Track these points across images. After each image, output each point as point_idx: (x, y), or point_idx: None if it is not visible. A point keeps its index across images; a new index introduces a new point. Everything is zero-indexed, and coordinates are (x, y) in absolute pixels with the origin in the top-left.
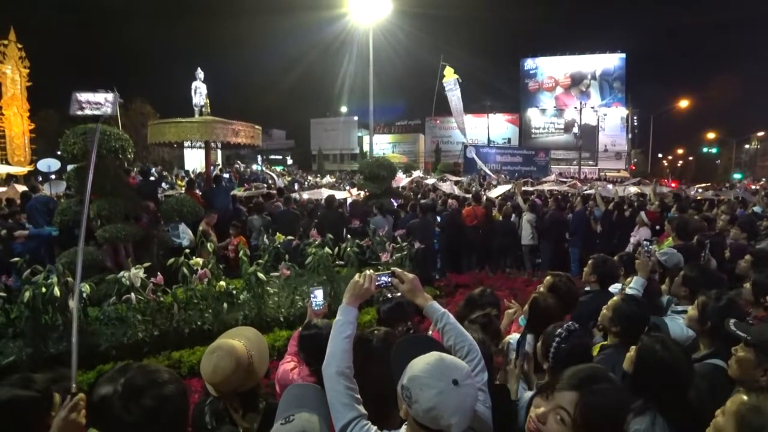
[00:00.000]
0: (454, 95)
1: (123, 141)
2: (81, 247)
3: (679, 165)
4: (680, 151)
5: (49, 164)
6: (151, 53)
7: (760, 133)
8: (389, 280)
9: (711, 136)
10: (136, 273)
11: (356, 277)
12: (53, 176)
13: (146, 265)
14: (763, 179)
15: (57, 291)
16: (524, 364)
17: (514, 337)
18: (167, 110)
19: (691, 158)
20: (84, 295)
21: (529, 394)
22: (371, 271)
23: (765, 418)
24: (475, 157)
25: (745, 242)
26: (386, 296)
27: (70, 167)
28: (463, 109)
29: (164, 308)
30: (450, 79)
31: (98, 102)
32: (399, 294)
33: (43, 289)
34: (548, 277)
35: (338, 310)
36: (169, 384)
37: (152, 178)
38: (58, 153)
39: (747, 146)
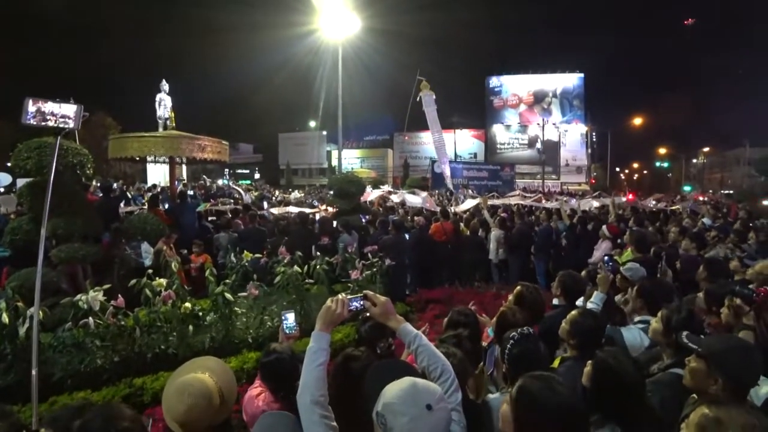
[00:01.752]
0: (432, 110)
1: (82, 156)
2: (39, 269)
3: (635, 178)
4: (636, 165)
5: None
6: (113, 64)
7: (706, 149)
8: (361, 304)
9: (663, 151)
10: (94, 296)
11: (328, 302)
12: (1, 190)
13: (106, 287)
14: (710, 191)
15: (5, 317)
16: (493, 370)
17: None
18: (130, 123)
19: (645, 172)
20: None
21: (493, 396)
22: (343, 294)
23: (725, 430)
24: (445, 169)
25: (695, 252)
26: (366, 316)
27: (21, 182)
28: (439, 125)
29: (125, 332)
30: (427, 93)
31: (65, 115)
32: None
33: None
34: (518, 288)
35: (311, 337)
36: None
37: (113, 195)
38: (8, 165)
39: (695, 161)
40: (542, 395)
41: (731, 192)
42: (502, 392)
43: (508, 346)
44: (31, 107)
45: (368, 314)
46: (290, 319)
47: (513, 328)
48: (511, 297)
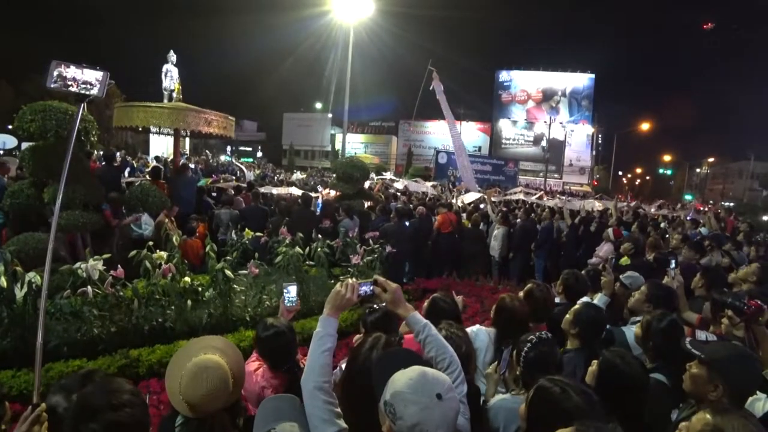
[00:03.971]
0: (444, 100)
1: (87, 122)
2: (52, 237)
3: (637, 183)
4: (639, 170)
5: (4, 141)
6: (120, 31)
7: (711, 159)
8: (371, 289)
9: (667, 158)
10: (93, 264)
11: (338, 286)
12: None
13: (105, 256)
14: (711, 202)
15: (3, 281)
16: (505, 371)
17: (473, 329)
18: (134, 92)
19: (648, 177)
20: (34, 286)
21: (500, 396)
22: (353, 279)
23: None
24: (464, 162)
25: (695, 262)
26: (371, 306)
27: (24, 145)
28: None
29: (123, 303)
30: (437, 83)
31: (87, 81)
32: (384, 305)
33: None
34: (529, 285)
35: (318, 321)
36: (127, 408)
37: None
38: (9, 127)
39: (698, 170)
40: (557, 399)
41: (731, 204)
42: (512, 394)
43: (525, 348)
44: (60, 73)
45: (375, 306)
46: (292, 291)
47: (512, 319)
48: (521, 293)
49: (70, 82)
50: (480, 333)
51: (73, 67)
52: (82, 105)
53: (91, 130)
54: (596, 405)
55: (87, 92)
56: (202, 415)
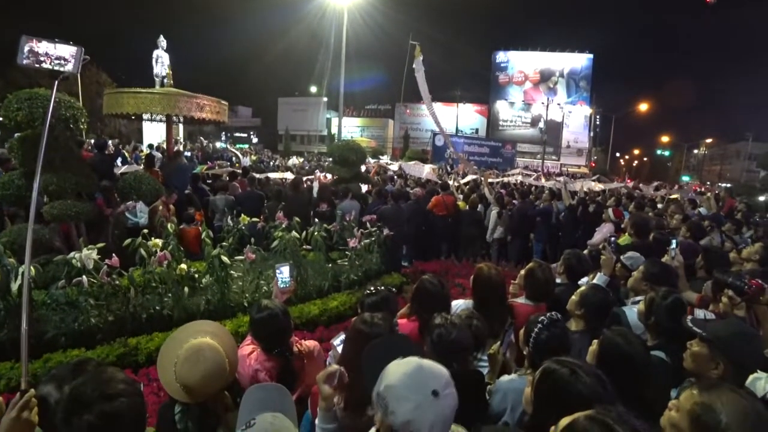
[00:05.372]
0: (421, 76)
1: (75, 110)
2: (31, 224)
3: (634, 165)
4: (636, 152)
5: None
6: (109, 18)
7: (709, 140)
8: None
9: (665, 139)
10: (88, 254)
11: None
12: None
13: (100, 245)
14: (708, 183)
15: None
16: (507, 352)
17: (454, 303)
18: (125, 80)
19: (645, 159)
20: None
21: (508, 377)
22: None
23: (717, 416)
24: (448, 143)
25: (691, 240)
26: (370, 289)
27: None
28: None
29: (120, 292)
30: (418, 58)
31: (61, 57)
32: (383, 288)
33: None
34: (531, 264)
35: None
36: (121, 397)
37: (108, 152)
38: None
39: (696, 151)
40: (565, 380)
41: (729, 185)
42: (520, 375)
43: (536, 329)
44: (31, 48)
45: (373, 289)
46: (285, 272)
47: (489, 288)
48: (522, 272)
49: (42, 58)
50: (459, 304)
51: (45, 42)
52: (56, 83)
53: (80, 118)
54: (608, 387)
55: (61, 68)
56: (200, 399)
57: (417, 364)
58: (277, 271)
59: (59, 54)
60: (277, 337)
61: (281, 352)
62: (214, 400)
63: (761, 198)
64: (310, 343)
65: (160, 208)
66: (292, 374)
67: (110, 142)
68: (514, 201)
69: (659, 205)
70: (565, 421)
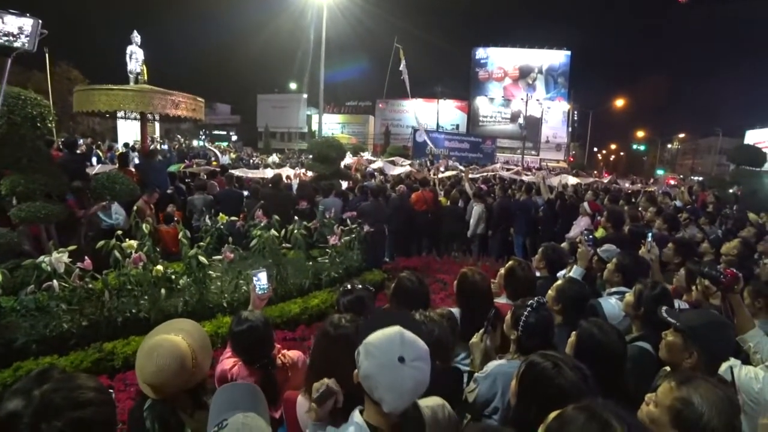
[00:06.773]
0: (406, 78)
1: (42, 107)
2: None
3: (611, 159)
4: (613, 147)
5: None
6: (80, 11)
7: (682, 135)
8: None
9: (641, 134)
10: (58, 257)
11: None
12: None
13: (71, 248)
14: (681, 176)
15: None
16: (488, 339)
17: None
18: (98, 78)
19: (622, 153)
20: None
21: (497, 362)
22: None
23: (698, 409)
24: (427, 139)
25: (666, 233)
26: (347, 287)
27: None
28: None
29: (94, 296)
30: (403, 60)
31: (10, 32)
32: (359, 286)
33: None
34: (510, 263)
35: None
36: (91, 406)
37: (79, 151)
38: None
39: (670, 146)
40: (550, 375)
41: (701, 178)
42: (509, 359)
43: (525, 313)
44: None
45: (348, 287)
46: (263, 279)
47: (473, 289)
48: (501, 271)
49: None
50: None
51: None
52: (8, 61)
53: (47, 116)
54: (590, 381)
55: (11, 44)
56: (164, 396)
57: (399, 331)
58: (254, 277)
59: (8, 29)
60: (258, 350)
61: (264, 365)
62: (176, 397)
63: (730, 190)
64: (294, 354)
65: (147, 211)
66: (274, 388)
67: (82, 140)
68: (491, 195)
69: (633, 200)
70: (553, 415)
